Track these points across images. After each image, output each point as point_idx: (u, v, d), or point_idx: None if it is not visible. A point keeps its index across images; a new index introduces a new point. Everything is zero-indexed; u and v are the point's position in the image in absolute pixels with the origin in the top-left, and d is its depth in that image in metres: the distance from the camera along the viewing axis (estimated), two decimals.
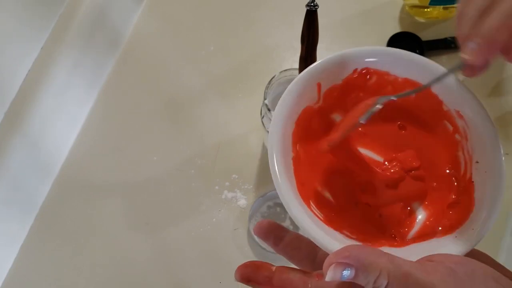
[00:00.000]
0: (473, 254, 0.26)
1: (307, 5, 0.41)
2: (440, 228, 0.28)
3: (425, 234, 0.29)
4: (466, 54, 0.27)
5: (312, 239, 0.26)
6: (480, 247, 0.27)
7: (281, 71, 0.50)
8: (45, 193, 0.57)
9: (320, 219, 0.28)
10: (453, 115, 0.30)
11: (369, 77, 0.32)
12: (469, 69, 0.28)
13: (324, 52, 0.57)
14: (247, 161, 0.57)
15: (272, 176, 0.27)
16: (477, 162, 0.29)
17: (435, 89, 0.30)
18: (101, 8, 0.60)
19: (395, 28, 0.63)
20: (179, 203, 0.55)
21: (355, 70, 0.31)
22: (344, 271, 0.22)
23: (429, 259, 0.24)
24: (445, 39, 0.61)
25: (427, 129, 0.32)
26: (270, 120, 0.37)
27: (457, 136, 0.30)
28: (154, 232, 0.55)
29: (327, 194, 0.30)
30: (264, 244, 0.51)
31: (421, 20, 0.64)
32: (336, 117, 0.33)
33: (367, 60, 0.31)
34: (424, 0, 0.59)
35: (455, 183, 0.30)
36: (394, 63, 0.31)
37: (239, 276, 0.27)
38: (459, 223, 0.27)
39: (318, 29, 0.43)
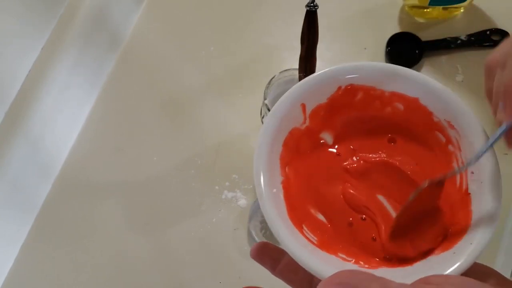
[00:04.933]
0: (478, 268, 0.25)
1: (307, 5, 0.41)
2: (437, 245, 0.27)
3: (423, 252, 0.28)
4: (501, 115, 0.25)
5: (306, 268, 0.25)
6: None
7: (281, 71, 0.50)
8: (45, 193, 0.57)
9: (314, 244, 0.27)
10: (444, 125, 0.29)
11: (355, 93, 0.31)
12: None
13: (324, 52, 0.58)
14: (247, 161, 0.57)
15: (260, 202, 0.27)
16: (472, 172, 0.28)
17: (423, 101, 0.30)
18: (101, 8, 0.60)
19: (395, 29, 0.63)
20: (179, 203, 0.55)
21: (339, 87, 0.31)
22: None
23: (426, 281, 0.22)
24: (445, 39, 0.61)
25: (418, 142, 0.31)
26: None
27: (450, 147, 0.29)
28: (154, 232, 0.55)
29: (321, 216, 0.30)
30: None
31: (421, 20, 0.64)
32: (325, 136, 0.32)
33: (349, 76, 0.30)
34: (423, 0, 0.59)
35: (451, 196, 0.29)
36: (378, 77, 0.30)
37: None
38: (457, 238, 0.26)
39: (318, 29, 0.43)
